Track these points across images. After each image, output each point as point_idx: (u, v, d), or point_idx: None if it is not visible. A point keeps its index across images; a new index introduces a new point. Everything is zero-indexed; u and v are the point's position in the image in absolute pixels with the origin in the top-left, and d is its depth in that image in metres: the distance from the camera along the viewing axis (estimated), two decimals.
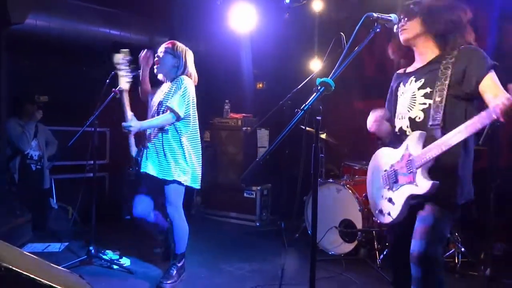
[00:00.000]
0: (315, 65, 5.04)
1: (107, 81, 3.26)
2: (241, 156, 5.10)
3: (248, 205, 5.01)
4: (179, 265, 3.16)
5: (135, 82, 3.31)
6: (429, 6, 2.01)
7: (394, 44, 2.17)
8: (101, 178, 5.02)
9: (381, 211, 2.09)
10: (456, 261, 3.43)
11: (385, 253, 3.62)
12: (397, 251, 2.09)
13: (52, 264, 1.90)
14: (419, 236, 1.87)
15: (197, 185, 3.15)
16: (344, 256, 3.77)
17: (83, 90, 4.38)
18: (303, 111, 1.59)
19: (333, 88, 1.62)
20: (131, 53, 3.19)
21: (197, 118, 3.16)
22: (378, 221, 2.18)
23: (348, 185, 3.86)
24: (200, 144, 3.18)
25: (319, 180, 4.02)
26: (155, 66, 3.12)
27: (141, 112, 3.20)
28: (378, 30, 1.84)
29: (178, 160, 3.02)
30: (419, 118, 1.96)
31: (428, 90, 1.96)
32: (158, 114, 3.03)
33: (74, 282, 1.96)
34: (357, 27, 1.79)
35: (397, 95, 2.16)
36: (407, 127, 2.01)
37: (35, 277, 1.52)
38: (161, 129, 3.02)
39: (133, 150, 3.03)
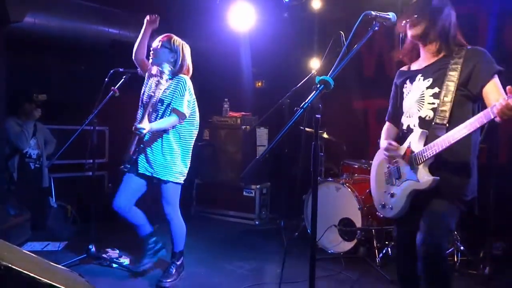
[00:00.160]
0: (314, 63, 5.04)
1: (106, 79, 3.25)
2: (240, 155, 5.10)
3: (248, 203, 5.01)
4: (178, 263, 3.17)
5: (130, 83, 3.30)
6: (439, 3, 2.05)
7: (408, 46, 2.21)
8: (100, 177, 5.02)
9: (384, 205, 2.18)
10: (455, 260, 3.44)
11: (384, 251, 3.62)
12: (404, 245, 2.13)
13: (51, 263, 1.90)
14: (426, 229, 1.93)
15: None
16: (343, 255, 3.77)
17: (82, 89, 4.38)
18: (302, 109, 1.59)
19: (332, 86, 1.62)
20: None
21: (197, 115, 3.15)
22: (381, 215, 2.23)
23: (347, 184, 3.87)
24: (194, 139, 3.17)
25: (318, 179, 4.02)
26: (150, 58, 3.06)
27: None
28: (376, 28, 1.85)
29: (177, 161, 3.03)
30: (429, 117, 2.02)
31: (436, 90, 2.01)
32: (156, 112, 3.00)
33: (73, 280, 1.96)
34: (355, 25, 1.79)
35: (403, 92, 2.20)
36: (414, 125, 2.06)
37: (35, 275, 1.52)
38: (162, 130, 3.00)
39: (133, 149, 3.00)
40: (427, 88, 2.04)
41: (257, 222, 4.96)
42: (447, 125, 1.94)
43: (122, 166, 2.95)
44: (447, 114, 1.95)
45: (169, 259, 3.21)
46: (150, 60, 3.06)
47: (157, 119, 3.01)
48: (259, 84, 5.87)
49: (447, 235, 2.03)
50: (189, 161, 3.14)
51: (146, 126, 2.84)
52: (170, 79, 3.03)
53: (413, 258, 1.99)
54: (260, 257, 3.79)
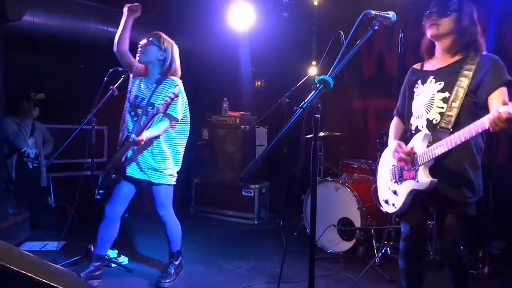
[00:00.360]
0: (314, 63, 5.03)
1: (105, 78, 3.24)
2: (239, 154, 5.09)
3: (247, 203, 5.00)
4: (176, 263, 3.16)
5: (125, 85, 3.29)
6: (462, 5, 2.08)
7: (426, 44, 2.22)
8: (99, 176, 5.01)
9: (386, 201, 2.26)
10: None
11: (383, 251, 3.62)
12: (411, 243, 2.20)
13: (50, 263, 1.89)
14: (445, 244, 2.14)
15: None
16: (342, 254, 3.77)
17: (81, 88, 4.37)
18: (301, 109, 1.59)
19: (332, 86, 1.62)
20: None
21: (189, 116, 3.10)
22: (384, 211, 2.32)
23: (346, 184, 3.86)
24: (186, 140, 3.12)
25: (317, 178, 4.02)
26: (137, 55, 2.95)
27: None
28: (376, 27, 1.84)
29: (168, 165, 2.97)
30: (436, 120, 2.07)
31: (447, 94, 2.05)
32: (146, 114, 2.85)
33: (72, 280, 1.95)
34: (355, 25, 1.79)
35: (413, 92, 2.23)
36: (422, 127, 2.10)
37: (33, 275, 1.51)
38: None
39: (124, 157, 2.88)
40: (438, 91, 2.08)
41: (256, 222, 4.96)
42: (452, 129, 1.98)
43: (114, 175, 2.86)
44: (453, 119, 1.99)
45: (167, 260, 3.19)
46: (137, 58, 2.95)
47: (149, 123, 2.88)
48: (259, 83, 5.86)
49: (460, 241, 2.14)
50: (181, 161, 3.09)
51: (144, 137, 2.74)
52: (160, 80, 2.93)
53: (419, 256, 2.19)
54: (259, 256, 3.79)
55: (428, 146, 2.00)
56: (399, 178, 2.16)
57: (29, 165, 4.36)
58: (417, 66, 2.31)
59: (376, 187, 2.40)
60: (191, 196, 5.32)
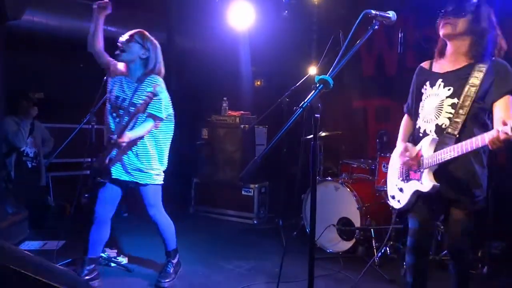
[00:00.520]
0: (314, 62, 5.02)
1: (105, 78, 3.23)
2: (239, 154, 5.09)
3: (246, 203, 5.00)
4: (174, 261, 3.15)
5: None
6: (479, 7, 2.08)
7: (440, 43, 2.23)
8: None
9: (393, 197, 2.35)
10: None
11: (383, 251, 3.62)
12: (420, 239, 2.25)
13: (49, 262, 1.89)
14: (450, 239, 2.23)
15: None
16: (342, 254, 3.77)
17: (81, 87, 4.36)
18: (301, 109, 1.58)
19: (332, 85, 1.62)
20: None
21: (173, 114, 3.01)
22: (391, 206, 2.51)
23: (346, 183, 3.86)
24: (171, 139, 3.04)
25: (317, 178, 4.02)
26: (118, 53, 2.83)
27: None
28: (376, 27, 1.84)
29: (154, 165, 2.91)
30: (445, 125, 2.10)
31: (455, 100, 2.08)
32: (128, 115, 2.78)
33: (72, 280, 1.95)
34: (355, 24, 1.78)
35: (421, 93, 2.25)
36: (431, 131, 2.15)
37: (32, 275, 1.51)
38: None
39: (108, 159, 2.81)
40: (447, 97, 2.11)
41: (255, 221, 4.95)
42: (457, 135, 2.04)
43: (99, 179, 2.80)
44: (459, 126, 2.04)
45: (164, 259, 3.17)
46: (118, 57, 2.85)
47: (130, 123, 2.81)
48: (258, 83, 5.86)
49: (467, 234, 2.18)
50: (166, 160, 3.02)
51: (126, 139, 2.69)
52: (141, 79, 2.85)
53: (426, 252, 2.27)
54: (259, 256, 3.79)
55: (435, 151, 2.07)
56: (406, 177, 2.24)
57: (28, 164, 4.36)
58: (425, 65, 2.31)
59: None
60: (191, 195, 5.32)
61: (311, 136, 1.68)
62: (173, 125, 3.02)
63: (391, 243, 3.68)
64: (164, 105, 2.86)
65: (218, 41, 5.36)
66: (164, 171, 3.03)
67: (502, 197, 3.43)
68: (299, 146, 4.07)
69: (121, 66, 2.93)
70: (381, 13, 1.84)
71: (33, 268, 1.58)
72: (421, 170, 2.12)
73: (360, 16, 1.79)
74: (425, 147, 2.11)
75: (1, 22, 3.72)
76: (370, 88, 5.02)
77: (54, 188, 4.67)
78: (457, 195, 2.12)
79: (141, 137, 2.83)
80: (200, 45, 5.60)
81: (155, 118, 2.83)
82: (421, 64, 2.33)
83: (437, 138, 2.09)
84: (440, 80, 2.16)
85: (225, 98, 5.38)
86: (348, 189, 3.81)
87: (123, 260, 3.45)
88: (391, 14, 1.86)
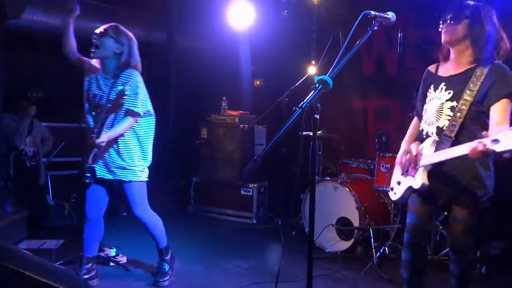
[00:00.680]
0: (313, 62, 5.03)
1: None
2: (238, 154, 5.09)
3: (245, 202, 5.00)
4: (168, 258, 3.11)
5: None
6: (477, 11, 2.10)
7: (444, 47, 2.27)
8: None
9: (392, 189, 2.46)
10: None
11: (381, 251, 3.62)
12: (416, 235, 2.29)
13: (48, 262, 1.89)
14: (454, 235, 2.25)
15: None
16: (340, 254, 3.77)
17: (80, 86, 4.35)
18: (300, 109, 1.59)
19: (331, 86, 1.62)
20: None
21: (152, 110, 2.95)
22: (390, 202, 2.71)
23: (345, 183, 3.87)
24: (153, 135, 2.99)
25: (316, 178, 4.02)
26: (92, 50, 2.77)
27: None
28: (376, 28, 1.84)
29: (137, 161, 2.86)
30: (446, 127, 2.15)
31: (454, 103, 2.12)
32: (106, 112, 2.74)
33: (71, 280, 1.95)
34: (354, 25, 1.78)
35: (426, 95, 2.30)
36: (432, 133, 2.20)
37: (31, 275, 1.51)
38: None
39: (91, 159, 2.76)
40: (447, 100, 2.16)
41: (254, 221, 4.95)
42: (454, 138, 2.09)
43: (84, 180, 2.75)
44: (456, 129, 2.09)
45: (158, 258, 3.12)
46: (92, 53, 2.77)
47: (108, 121, 2.78)
48: (258, 82, 5.86)
49: (470, 239, 2.23)
50: (150, 156, 2.97)
51: (104, 138, 2.65)
52: (117, 75, 2.78)
53: (422, 246, 2.31)
54: (258, 255, 3.79)
55: (435, 151, 2.13)
56: (405, 172, 2.32)
57: (26, 163, 4.35)
58: (432, 68, 2.35)
59: None
60: (190, 195, 5.32)
61: (309, 132, 1.68)
62: (154, 120, 2.96)
63: (390, 243, 3.69)
64: (141, 100, 2.78)
65: (218, 40, 5.36)
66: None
67: (501, 197, 3.43)
68: (298, 146, 4.07)
69: (96, 63, 2.86)
70: (380, 14, 1.84)
71: (32, 268, 1.58)
72: (417, 168, 2.20)
73: (360, 17, 1.79)
74: (426, 148, 2.18)
75: (1, 21, 3.72)
76: (370, 88, 5.02)
77: (53, 187, 4.66)
78: (457, 194, 2.15)
79: (122, 134, 2.77)
80: (200, 45, 5.60)
81: (133, 113, 2.76)
82: (428, 68, 2.37)
83: (437, 139, 2.15)
84: (443, 83, 2.20)
85: (224, 98, 5.38)
86: (347, 189, 3.81)
87: (122, 259, 3.45)
88: (391, 15, 1.87)
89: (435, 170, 2.14)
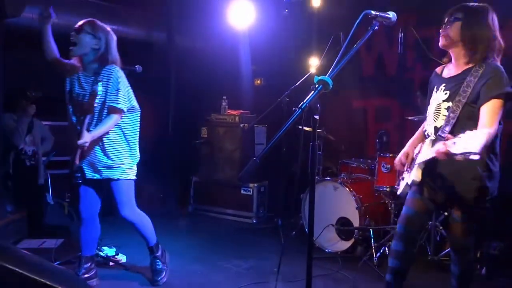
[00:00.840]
0: (314, 62, 5.02)
1: None
2: (238, 153, 5.08)
3: (245, 202, 5.00)
4: (159, 254, 3.08)
5: (127, 80, 3.24)
6: (470, 13, 2.12)
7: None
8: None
9: (398, 184, 2.57)
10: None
11: (381, 251, 3.62)
12: (408, 226, 2.33)
13: (49, 262, 1.88)
14: (453, 236, 2.29)
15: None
16: (340, 254, 3.77)
17: None
18: (300, 110, 1.58)
19: (331, 86, 1.61)
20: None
21: (137, 105, 2.87)
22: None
23: (345, 183, 3.86)
24: (138, 130, 2.92)
25: (316, 178, 4.02)
26: (70, 48, 2.72)
27: None
28: (376, 28, 1.84)
29: (124, 159, 2.81)
30: (441, 127, 2.19)
31: (450, 104, 2.15)
32: (90, 111, 2.68)
33: (70, 280, 1.95)
34: (355, 25, 1.78)
35: (431, 96, 2.34)
36: (431, 133, 2.25)
37: (29, 275, 1.51)
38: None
39: (78, 159, 2.72)
40: (443, 101, 2.19)
41: (254, 221, 4.95)
42: (446, 138, 2.07)
43: (74, 180, 2.74)
44: (448, 129, 2.12)
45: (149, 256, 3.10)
46: (71, 52, 2.73)
47: (93, 120, 2.73)
48: (258, 82, 5.85)
49: (469, 240, 2.26)
50: (137, 154, 2.91)
51: (87, 138, 2.58)
52: (98, 71, 2.72)
53: (414, 239, 2.33)
54: (258, 255, 3.79)
55: None
56: (409, 168, 2.40)
57: (26, 162, 4.34)
58: (438, 70, 2.37)
59: None
60: (190, 194, 5.32)
61: (309, 128, 1.68)
62: (139, 116, 2.89)
63: (390, 243, 3.68)
64: (123, 95, 2.71)
65: (218, 40, 5.35)
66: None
67: (500, 198, 3.42)
68: (298, 146, 4.06)
69: (76, 61, 2.81)
70: (381, 14, 1.84)
71: (30, 268, 1.57)
72: (414, 164, 2.28)
73: (360, 17, 1.79)
74: (424, 147, 2.22)
75: (0, 20, 3.71)
76: (370, 88, 5.01)
77: (53, 186, 4.66)
78: (455, 194, 2.16)
79: (107, 133, 2.72)
80: (200, 44, 5.59)
81: (116, 110, 2.69)
82: (436, 69, 2.39)
83: (434, 138, 2.19)
84: (443, 84, 2.23)
85: (224, 97, 5.37)
86: (347, 189, 3.81)
87: (122, 258, 3.45)
88: (391, 14, 1.86)
89: (431, 169, 2.18)
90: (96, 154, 2.76)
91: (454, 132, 2.09)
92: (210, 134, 5.28)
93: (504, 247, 3.59)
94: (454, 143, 1.69)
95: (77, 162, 2.70)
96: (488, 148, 2.12)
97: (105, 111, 2.72)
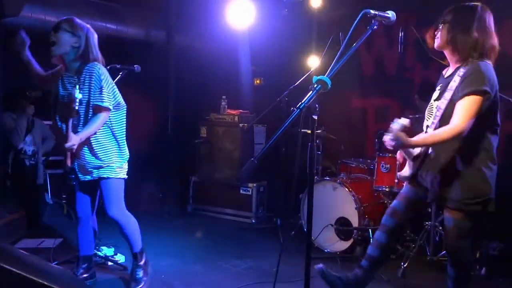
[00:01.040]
0: (313, 61, 5.01)
1: None
2: (238, 153, 5.08)
3: (244, 202, 4.99)
4: (141, 263, 2.94)
5: (127, 80, 3.23)
6: (458, 14, 2.18)
7: None
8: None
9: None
10: None
11: None
12: (393, 219, 2.44)
13: (46, 262, 1.88)
14: (446, 237, 2.33)
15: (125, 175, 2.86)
16: (339, 254, 3.77)
17: None
18: (298, 110, 1.58)
19: (330, 86, 1.61)
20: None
21: (123, 101, 2.80)
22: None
23: (344, 183, 3.86)
24: (125, 127, 2.85)
25: (315, 178, 4.01)
26: (51, 47, 2.65)
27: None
28: (375, 27, 1.84)
29: (113, 158, 2.75)
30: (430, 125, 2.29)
31: (438, 102, 2.24)
32: (78, 114, 2.62)
33: (67, 279, 1.95)
34: (354, 24, 1.77)
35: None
36: (425, 131, 2.35)
37: (27, 275, 1.50)
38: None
39: (69, 161, 2.68)
40: (434, 100, 2.28)
41: (253, 220, 4.94)
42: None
43: (68, 181, 2.72)
44: (434, 127, 2.20)
45: (132, 262, 2.97)
46: (52, 52, 2.66)
47: (80, 121, 2.67)
48: (258, 81, 5.84)
49: (461, 242, 2.26)
50: (127, 153, 2.84)
51: (75, 141, 2.52)
52: (80, 70, 2.66)
53: (402, 226, 2.47)
54: (256, 255, 3.78)
55: None
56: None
57: (25, 162, 4.34)
58: (444, 71, 2.41)
59: None
60: (189, 194, 5.31)
61: (308, 130, 1.68)
62: (125, 114, 2.82)
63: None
64: (107, 93, 2.63)
65: (218, 39, 5.34)
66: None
67: (499, 198, 3.41)
68: (297, 145, 4.05)
69: (56, 61, 2.74)
70: (380, 13, 1.84)
71: (28, 268, 1.57)
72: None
73: (359, 16, 1.78)
74: None
75: None
76: (369, 88, 5.01)
77: (52, 186, 4.65)
78: (441, 193, 2.21)
79: (95, 133, 2.66)
80: (199, 44, 5.59)
81: (102, 109, 2.62)
82: (443, 71, 2.44)
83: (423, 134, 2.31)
84: (440, 85, 2.31)
85: (224, 97, 5.36)
86: (346, 189, 3.80)
87: (120, 258, 3.44)
88: (390, 14, 1.86)
89: (423, 167, 2.28)
90: (85, 155, 2.70)
91: (438, 128, 2.20)
92: (210, 134, 5.28)
93: (504, 247, 3.59)
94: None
95: (68, 164, 2.66)
96: (476, 149, 2.15)
97: (91, 111, 2.65)
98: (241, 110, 5.25)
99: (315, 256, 3.43)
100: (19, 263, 1.59)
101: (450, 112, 2.12)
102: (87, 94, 2.62)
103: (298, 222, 4.26)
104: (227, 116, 5.20)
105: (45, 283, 1.53)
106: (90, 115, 2.66)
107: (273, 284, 2.65)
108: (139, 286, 2.90)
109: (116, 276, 3.18)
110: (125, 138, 2.84)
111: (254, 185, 4.96)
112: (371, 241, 2.48)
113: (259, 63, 5.61)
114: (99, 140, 2.69)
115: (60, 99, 2.74)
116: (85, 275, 2.91)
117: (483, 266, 3.34)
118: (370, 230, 3.70)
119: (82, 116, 2.67)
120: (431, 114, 2.26)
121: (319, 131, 4.14)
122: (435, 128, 2.18)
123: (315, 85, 1.61)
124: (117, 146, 2.78)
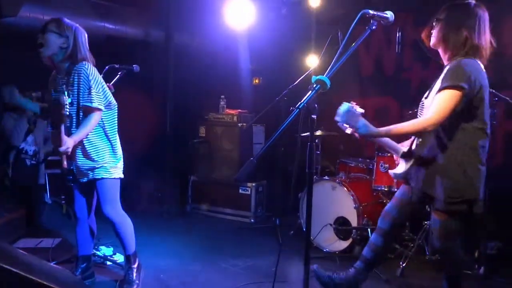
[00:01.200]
0: (312, 61, 5.01)
1: (101, 75, 3.21)
2: (237, 152, 5.08)
3: (243, 201, 4.99)
4: (135, 266, 2.90)
5: (125, 80, 3.24)
6: (450, 13, 2.19)
7: None
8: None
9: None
10: None
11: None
12: (384, 218, 2.51)
13: (45, 262, 1.88)
14: (432, 236, 2.32)
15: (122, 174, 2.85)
16: (338, 254, 3.77)
17: None
18: (297, 110, 1.58)
19: (329, 86, 1.61)
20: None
21: (114, 101, 2.78)
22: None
23: (343, 183, 3.86)
24: (117, 126, 2.84)
25: (314, 177, 4.01)
26: (39, 49, 2.65)
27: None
28: (374, 27, 1.84)
29: (107, 158, 2.73)
30: None
31: (426, 100, 2.27)
32: (70, 115, 2.61)
33: (67, 279, 1.95)
34: (353, 24, 1.78)
35: None
36: None
37: (26, 275, 1.51)
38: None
39: (66, 163, 2.66)
40: (425, 98, 2.30)
41: (252, 220, 4.95)
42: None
43: (66, 183, 2.70)
44: None
45: (124, 264, 2.95)
46: (40, 54, 2.66)
47: (73, 123, 2.67)
48: (256, 81, 5.84)
49: (447, 242, 2.25)
50: (120, 152, 2.83)
51: (69, 144, 2.51)
52: (69, 71, 2.64)
53: (400, 224, 2.51)
54: (255, 255, 3.78)
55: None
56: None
57: (26, 162, 4.33)
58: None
59: None
60: (188, 194, 5.31)
61: (307, 133, 1.68)
62: (116, 113, 2.81)
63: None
64: (96, 93, 2.60)
65: (217, 38, 5.34)
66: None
67: (498, 198, 3.43)
68: (296, 145, 4.06)
69: (48, 62, 2.73)
70: (378, 13, 1.84)
71: (27, 268, 1.57)
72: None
73: (358, 16, 1.78)
74: (414, 142, 2.38)
75: None
76: (368, 87, 5.01)
77: (51, 186, 4.65)
78: (427, 192, 2.21)
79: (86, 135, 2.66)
80: (198, 43, 5.58)
81: (92, 109, 2.60)
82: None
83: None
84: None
85: (223, 96, 5.36)
86: (345, 189, 3.81)
87: (119, 258, 3.44)
88: (389, 14, 1.87)
89: (413, 167, 2.30)
90: (78, 157, 2.70)
91: None
92: (208, 133, 5.28)
93: (501, 247, 3.60)
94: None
95: (65, 165, 2.64)
96: (462, 147, 2.12)
97: (81, 112, 2.64)
98: (240, 110, 5.25)
99: (314, 255, 3.44)
100: (18, 262, 1.59)
101: None
102: (76, 95, 2.60)
103: (297, 221, 4.26)
104: (226, 116, 5.20)
105: (44, 282, 1.53)
106: (81, 117, 2.65)
107: (272, 283, 2.65)
108: None
109: (115, 276, 3.18)
110: (117, 137, 2.83)
111: (253, 184, 4.96)
112: (368, 244, 2.49)
113: (258, 62, 5.62)
114: (91, 140, 2.68)
115: (52, 101, 2.72)
116: (83, 275, 2.91)
117: (482, 265, 3.34)
118: (369, 229, 3.71)
119: (74, 117, 2.66)
120: (423, 112, 2.29)
121: (318, 131, 4.14)
122: None
123: (314, 85, 1.62)
124: (109, 146, 2.77)
